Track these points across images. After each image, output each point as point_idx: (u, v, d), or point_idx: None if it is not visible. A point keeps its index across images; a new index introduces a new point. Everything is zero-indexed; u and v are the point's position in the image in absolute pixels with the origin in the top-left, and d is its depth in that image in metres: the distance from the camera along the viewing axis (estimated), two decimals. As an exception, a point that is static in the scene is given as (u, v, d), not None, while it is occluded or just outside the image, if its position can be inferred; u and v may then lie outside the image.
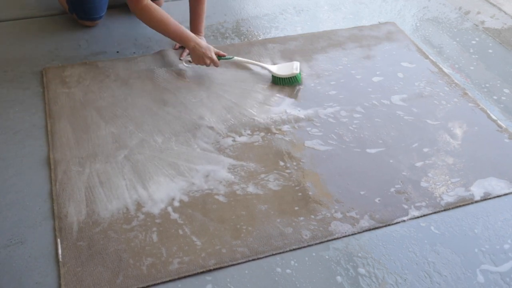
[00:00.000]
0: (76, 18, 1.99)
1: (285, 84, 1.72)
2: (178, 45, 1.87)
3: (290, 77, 1.70)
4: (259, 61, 1.80)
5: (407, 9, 2.32)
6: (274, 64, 1.81)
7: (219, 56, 1.70)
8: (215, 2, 2.24)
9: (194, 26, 1.88)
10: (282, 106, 1.67)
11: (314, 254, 1.23)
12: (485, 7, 2.38)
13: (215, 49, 1.70)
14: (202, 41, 1.69)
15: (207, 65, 1.69)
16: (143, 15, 1.64)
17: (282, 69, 1.73)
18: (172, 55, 1.85)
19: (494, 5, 2.39)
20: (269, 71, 1.74)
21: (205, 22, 1.90)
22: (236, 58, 1.72)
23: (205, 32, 2.03)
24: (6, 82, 1.68)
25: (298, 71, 1.70)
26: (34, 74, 1.72)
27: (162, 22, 1.64)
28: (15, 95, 1.63)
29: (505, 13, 2.33)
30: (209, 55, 1.66)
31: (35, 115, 1.56)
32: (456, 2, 2.40)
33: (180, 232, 1.25)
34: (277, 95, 1.71)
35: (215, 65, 1.69)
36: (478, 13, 2.32)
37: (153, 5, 1.63)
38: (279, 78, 1.71)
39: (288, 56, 1.90)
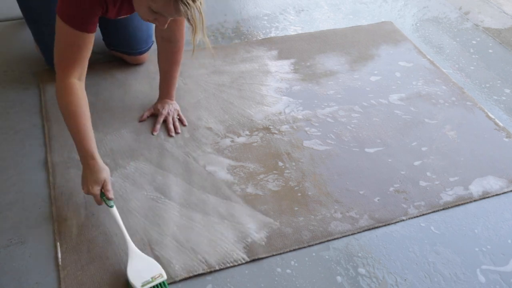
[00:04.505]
0: (119, 54, 1.76)
1: None
2: (145, 115, 1.57)
3: None
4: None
5: (407, 9, 2.32)
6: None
7: (102, 194, 1.22)
8: (215, 2, 2.24)
9: (166, 90, 1.57)
10: (280, 106, 1.67)
11: (314, 254, 1.23)
12: (485, 7, 2.38)
13: (107, 185, 1.22)
14: (95, 171, 1.21)
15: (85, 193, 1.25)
16: (61, 96, 1.22)
17: (137, 270, 1.13)
18: None
19: (494, 5, 2.39)
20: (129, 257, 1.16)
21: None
22: (113, 210, 1.21)
23: (205, 32, 2.03)
24: (6, 82, 1.68)
25: (143, 287, 1.10)
26: (34, 74, 1.72)
27: (76, 116, 1.22)
28: (15, 95, 1.63)
29: (505, 13, 2.33)
30: (91, 190, 1.20)
31: (35, 115, 1.56)
32: (456, 2, 2.40)
33: (180, 232, 1.25)
34: (275, 95, 1.71)
35: (96, 199, 1.23)
36: (478, 13, 2.32)
37: (79, 91, 1.23)
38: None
39: (287, 56, 1.91)
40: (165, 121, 1.54)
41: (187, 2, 1.06)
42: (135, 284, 1.09)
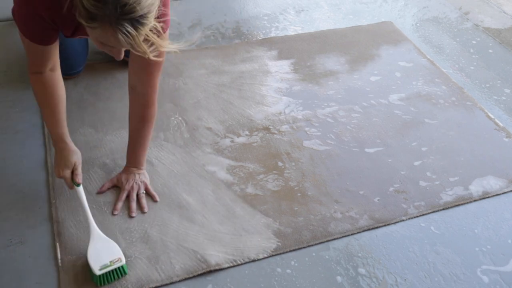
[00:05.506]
0: None
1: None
2: (105, 187, 1.31)
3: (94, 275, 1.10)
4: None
5: (407, 9, 2.32)
6: None
7: (72, 179, 1.21)
8: (215, 2, 2.24)
9: (133, 155, 1.30)
10: (280, 106, 1.67)
11: (314, 254, 1.23)
12: (485, 7, 2.38)
13: (77, 168, 1.20)
14: (66, 154, 1.21)
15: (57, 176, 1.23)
16: (34, 85, 1.18)
17: (97, 252, 1.12)
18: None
19: (494, 5, 2.39)
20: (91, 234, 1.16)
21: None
22: (79, 189, 1.21)
23: (205, 32, 2.03)
24: (6, 82, 1.68)
25: (101, 271, 1.09)
26: (34, 74, 1.72)
27: (49, 103, 1.19)
28: (15, 95, 1.63)
29: (505, 13, 2.33)
30: (61, 173, 1.20)
31: (35, 115, 1.56)
32: (456, 2, 2.40)
33: (180, 232, 1.25)
34: (275, 95, 1.71)
35: (66, 183, 1.22)
36: (478, 13, 2.32)
37: (52, 80, 1.17)
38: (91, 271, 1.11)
39: (287, 56, 1.91)
40: (128, 197, 1.28)
41: (127, 32, 0.86)
42: (94, 268, 1.09)
